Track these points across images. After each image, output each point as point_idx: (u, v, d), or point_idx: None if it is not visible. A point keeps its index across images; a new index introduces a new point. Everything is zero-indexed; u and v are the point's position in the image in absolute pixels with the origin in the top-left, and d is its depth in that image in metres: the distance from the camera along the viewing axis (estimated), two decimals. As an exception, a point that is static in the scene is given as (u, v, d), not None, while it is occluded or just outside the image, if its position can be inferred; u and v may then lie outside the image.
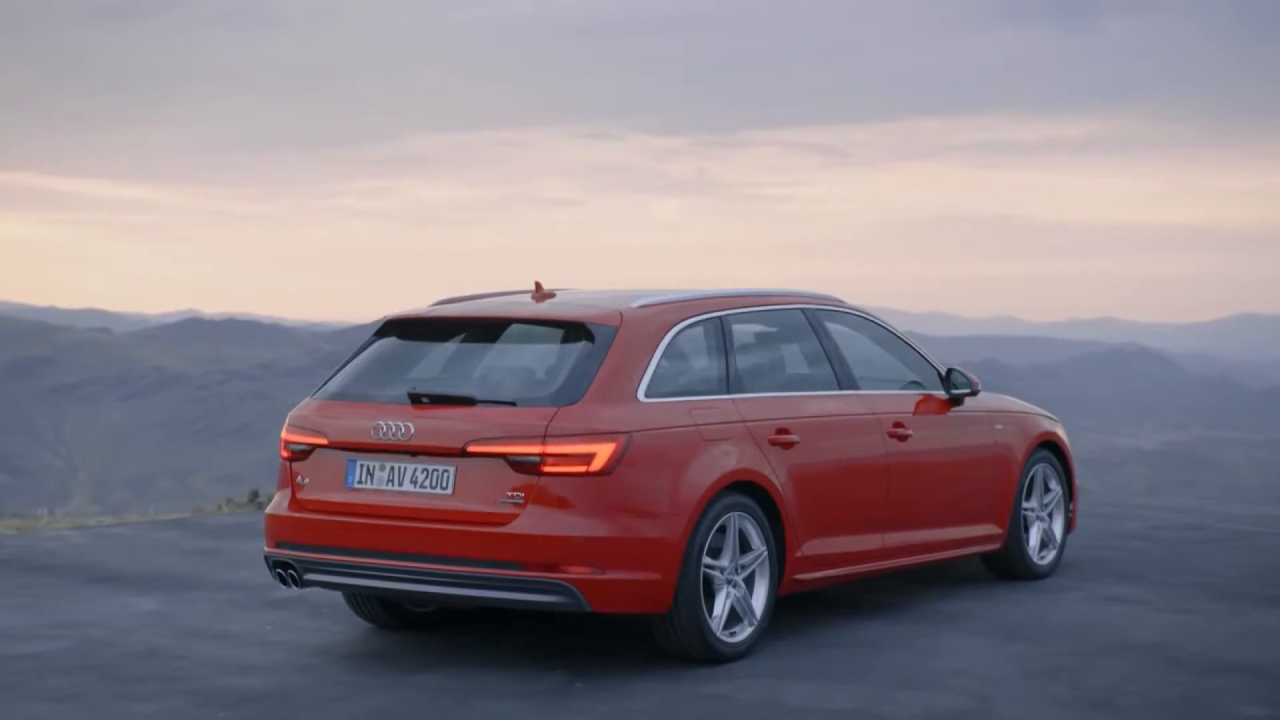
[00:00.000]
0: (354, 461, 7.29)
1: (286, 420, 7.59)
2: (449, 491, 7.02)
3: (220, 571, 9.79)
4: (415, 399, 7.16)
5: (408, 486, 7.13)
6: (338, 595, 8.56)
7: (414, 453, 7.11)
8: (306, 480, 7.43)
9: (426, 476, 7.08)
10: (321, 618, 8.35)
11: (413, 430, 7.08)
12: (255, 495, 16.20)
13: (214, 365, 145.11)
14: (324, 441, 7.38)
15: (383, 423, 7.15)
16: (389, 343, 7.78)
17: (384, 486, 7.19)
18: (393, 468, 7.18)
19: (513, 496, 6.88)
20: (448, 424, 7.05)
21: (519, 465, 6.88)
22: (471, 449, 6.95)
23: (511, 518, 6.87)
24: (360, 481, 7.26)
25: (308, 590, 8.86)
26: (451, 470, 7.02)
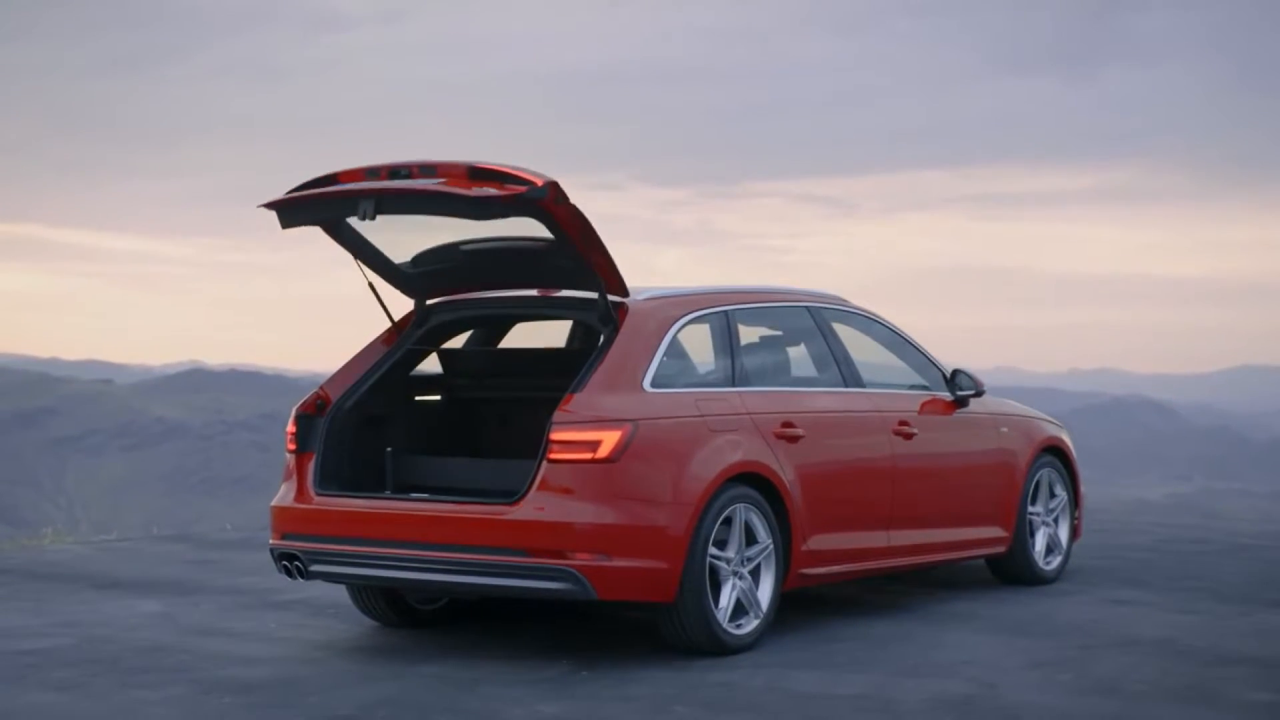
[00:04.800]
0: None
1: (292, 413, 7.63)
2: None
3: (223, 578, 9.77)
4: None
5: None
6: (342, 595, 8.54)
7: None
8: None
9: None
10: (326, 616, 8.34)
11: None
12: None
13: (217, 416, 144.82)
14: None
15: None
16: None
17: None
18: None
19: None
20: None
21: None
22: None
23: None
24: None
25: (312, 592, 8.86)
26: None
